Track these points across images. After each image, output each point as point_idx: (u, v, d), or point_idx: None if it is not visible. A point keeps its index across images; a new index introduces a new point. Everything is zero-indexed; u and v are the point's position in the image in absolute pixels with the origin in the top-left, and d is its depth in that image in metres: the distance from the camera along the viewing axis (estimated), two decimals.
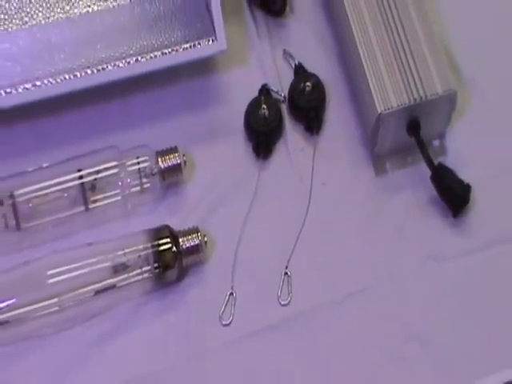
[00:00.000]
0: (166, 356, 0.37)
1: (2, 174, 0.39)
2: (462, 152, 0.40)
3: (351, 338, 0.37)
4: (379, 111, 0.38)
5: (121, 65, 0.40)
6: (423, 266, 0.38)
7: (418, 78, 0.38)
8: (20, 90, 0.39)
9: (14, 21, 0.42)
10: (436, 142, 0.41)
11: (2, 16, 0.42)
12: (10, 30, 0.42)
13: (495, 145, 0.41)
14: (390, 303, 0.38)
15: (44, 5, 0.43)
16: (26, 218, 0.38)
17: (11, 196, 0.38)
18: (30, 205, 0.38)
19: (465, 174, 0.39)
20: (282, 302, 0.38)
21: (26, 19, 0.42)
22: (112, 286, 0.36)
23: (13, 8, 0.42)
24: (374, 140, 0.40)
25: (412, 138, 0.39)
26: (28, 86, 0.39)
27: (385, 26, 0.40)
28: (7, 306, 0.35)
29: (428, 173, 0.39)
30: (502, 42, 0.43)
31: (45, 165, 0.40)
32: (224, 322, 0.37)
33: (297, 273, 0.38)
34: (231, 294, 0.38)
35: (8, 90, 0.39)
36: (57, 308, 0.36)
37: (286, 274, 0.38)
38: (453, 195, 0.39)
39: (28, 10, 0.43)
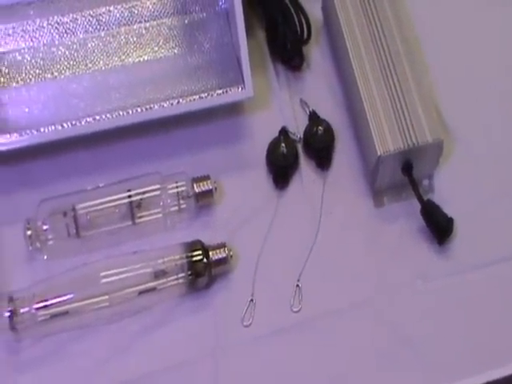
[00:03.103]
0: (196, 348, 0.39)
1: (66, 190, 0.42)
2: (447, 191, 0.43)
3: (352, 341, 0.39)
4: (379, 154, 0.40)
5: (165, 105, 0.43)
6: (412, 284, 0.40)
7: (411, 127, 0.41)
8: (83, 123, 0.42)
9: (80, 66, 0.46)
10: (425, 182, 0.43)
11: (71, 62, 0.46)
12: (76, 73, 0.46)
13: (474, 185, 0.43)
14: (385, 313, 0.40)
15: (104, 54, 0.46)
16: (84, 228, 0.40)
17: (73, 209, 0.40)
18: (88, 217, 0.40)
19: (449, 209, 0.41)
20: (294, 309, 0.40)
21: (90, 65, 0.46)
22: (153, 288, 0.38)
23: (79, 56, 0.46)
24: (374, 177, 0.42)
25: (406, 177, 0.42)
26: (89, 119, 0.42)
27: (384, 81, 0.42)
28: (67, 299, 0.38)
29: (418, 207, 0.41)
30: (482, 97, 0.45)
31: (101, 185, 0.42)
32: (245, 324, 0.39)
33: (307, 285, 0.40)
34: (251, 300, 0.40)
35: (73, 123, 0.42)
36: (107, 304, 0.38)
37: (297, 285, 0.40)
38: (439, 226, 0.41)
39: (91, 58, 0.46)
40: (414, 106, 0.41)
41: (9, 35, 0.46)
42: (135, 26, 0.47)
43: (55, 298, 0.37)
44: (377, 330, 0.39)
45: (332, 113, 0.45)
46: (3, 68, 0.45)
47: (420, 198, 0.41)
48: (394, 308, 0.40)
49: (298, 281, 0.40)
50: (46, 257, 0.41)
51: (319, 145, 0.44)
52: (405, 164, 0.41)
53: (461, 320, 0.39)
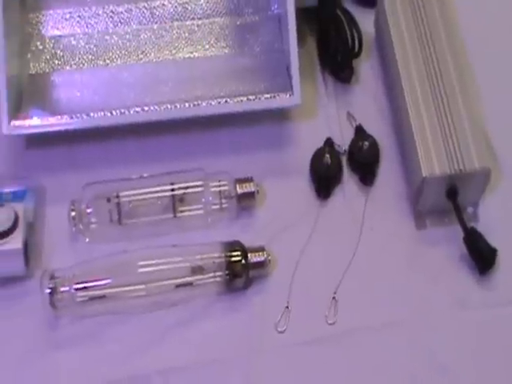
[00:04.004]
0: (229, 348, 0.40)
1: (111, 176, 0.44)
2: (491, 220, 0.43)
3: (385, 360, 0.40)
4: (424, 175, 0.41)
5: (213, 103, 0.45)
6: (450, 311, 0.41)
7: (459, 153, 0.42)
8: (131, 112, 0.44)
9: (131, 56, 0.48)
10: (470, 209, 0.44)
11: (123, 52, 0.48)
12: (127, 63, 0.48)
13: None
14: (421, 336, 0.40)
15: (156, 47, 0.48)
16: (126, 216, 0.42)
17: (117, 196, 0.42)
18: (131, 205, 0.42)
19: (492, 240, 0.42)
20: (329, 322, 0.41)
21: (141, 56, 0.48)
22: (190, 283, 0.40)
23: (132, 47, 0.48)
24: (417, 198, 0.43)
25: (450, 202, 0.43)
26: (138, 109, 0.44)
27: (434, 103, 0.44)
28: (105, 284, 0.40)
29: (461, 234, 0.42)
30: None
31: (145, 175, 0.44)
32: (279, 330, 0.41)
33: (343, 298, 0.41)
34: (287, 307, 0.41)
35: (122, 111, 0.44)
36: (144, 293, 0.39)
37: (333, 298, 0.41)
38: (481, 256, 0.42)
39: (143, 49, 0.48)
40: (463, 131, 0.43)
41: (66, 20, 0.49)
42: (188, 22, 0.49)
43: (94, 281, 0.39)
44: (411, 352, 0.40)
45: (378, 129, 0.46)
46: (58, 51, 0.48)
47: (464, 226, 0.42)
48: (430, 333, 0.41)
49: (335, 293, 0.41)
50: (87, 239, 0.43)
51: (364, 160, 0.45)
52: (450, 189, 0.42)
53: (498, 353, 0.40)
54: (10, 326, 0.40)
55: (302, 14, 0.47)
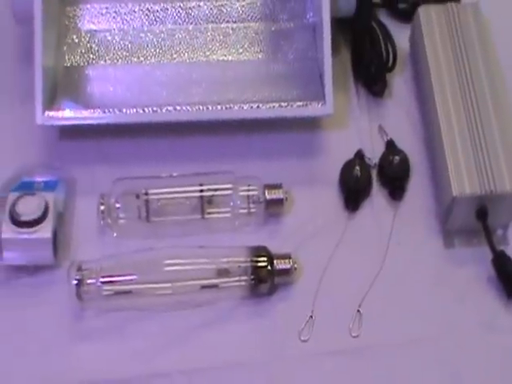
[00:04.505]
0: (251, 353, 0.41)
1: (140, 173, 0.45)
2: None
3: (406, 378, 0.40)
4: (454, 195, 0.42)
5: (245, 107, 0.46)
6: (476, 332, 0.42)
7: (490, 174, 0.43)
8: (164, 111, 0.45)
9: (165, 55, 0.50)
10: (500, 231, 0.44)
11: (158, 50, 0.50)
12: (161, 62, 0.49)
13: None
14: (444, 355, 0.41)
15: (190, 48, 0.50)
16: (154, 213, 0.43)
17: (146, 193, 0.43)
18: (159, 204, 0.43)
19: None
20: (353, 334, 0.41)
21: (175, 56, 0.50)
22: (215, 285, 0.41)
23: (166, 46, 0.50)
24: (446, 217, 0.44)
25: (479, 223, 0.43)
26: (170, 108, 0.45)
27: (467, 122, 0.44)
28: (131, 279, 0.41)
29: (490, 256, 0.43)
30: None
31: (175, 174, 0.45)
32: (302, 338, 0.41)
33: (368, 312, 0.42)
34: (311, 316, 0.42)
35: (154, 109, 0.46)
36: (170, 291, 0.40)
37: (358, 311, 0.42)
38: (509, 280, 0.42)
39: (177, 49, 0.50)
40: (496, 151, 0.43)
41: (102, 15, 0.50)
42: (223, 25, 0.50)
43: (120, 275, 0.40)
44: (434, 371, 0.40)
45: (409, 144, 0.47)
46: (94, 45, 0.49)
47: (493, 248, 0.42)
48: (455, 352, 0.41)
49: (360, 306, 0.42)
50: (115, 234, 0.44)
51: (394, 174, 0.46)
52: (480, 209, 0.43)
53: None
54: (36, 314, 0.41)
55: (337, 23, 0.48)
